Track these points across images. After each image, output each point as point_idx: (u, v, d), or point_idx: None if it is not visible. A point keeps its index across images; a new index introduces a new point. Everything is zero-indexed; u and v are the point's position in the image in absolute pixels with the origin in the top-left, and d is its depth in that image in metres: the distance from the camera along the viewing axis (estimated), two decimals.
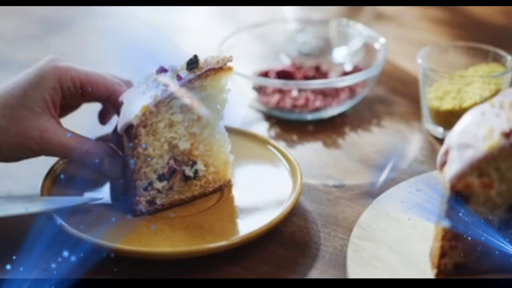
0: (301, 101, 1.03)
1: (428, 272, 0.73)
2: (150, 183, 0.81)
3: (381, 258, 0.74)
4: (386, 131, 1.02)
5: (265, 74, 1.10)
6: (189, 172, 0.83)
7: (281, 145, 0.93)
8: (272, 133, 1.02)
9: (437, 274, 0.72)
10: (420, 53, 0.99)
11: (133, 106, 0.78)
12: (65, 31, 1.32)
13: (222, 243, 0.76)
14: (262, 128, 1.02)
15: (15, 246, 0.78)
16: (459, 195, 0.69)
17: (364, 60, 1.12)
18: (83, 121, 0.91)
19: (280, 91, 1.05)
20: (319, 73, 1.11)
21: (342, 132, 1.01)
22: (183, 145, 0.81)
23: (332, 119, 1.04)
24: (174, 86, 0.78)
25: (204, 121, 0.82)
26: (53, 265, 0.75)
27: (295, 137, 1.00)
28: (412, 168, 0.92)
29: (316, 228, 0.82)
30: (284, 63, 1.15)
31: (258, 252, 0.78)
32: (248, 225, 0.78)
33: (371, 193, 0.87)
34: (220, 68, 0.80)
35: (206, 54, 0.81)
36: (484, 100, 0.92)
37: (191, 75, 0.79)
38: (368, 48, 1.12)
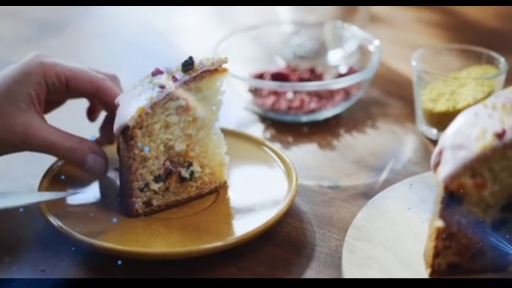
0: (296, 103, 1.04)
1: (422, 271, 0.73)
2: (147, 184, 0.81)
3: (376, 258, 0.74)
4: (380, 132, 1.02)
5: (261, 76, 1.10)
6: (185, 173, 0.83)
7: (277, 146, 0.94)
8: (268, 134, 1.02)
9: (431, 274, 0.72)
10: (414, 55, 0.99)
11: (129, 108, 0.78)
12: (61, 32, 1.32)
13: (218, 243, 0.76)
14: (257, 130, 1.02)
15: (13, 248, 0.78)
16: (453, 195, 0.69)
17: (358, 62, 1.13)
18: (72, 118, 0.91)
19: (275, 93, 1.06)
20: (314, 75, 1.11)
21: (337, 134, 1.01)
22: (179, 146, 0.82)
23: (327, 121, 1.04)
24: (169, 88, 0.79)
25: (199, 122, 0.82)
26: (51, 266, 0.75)
27: (290, 138, 1.01)
28: (407, 169, 0.93)
29: (311, 228, 0.83)
30: (279, 65, 1.16)
31: (254, 252, 0.78)
32: (244, 226, 0.78)
33: (365, 194, 0.87)
34: (215, 70, 0.80)
35: (202, 56, 0.81)
36: (477, 102, 0.92)
37: (187, 77, 0.79)
38: (362, 50, 1.12)
